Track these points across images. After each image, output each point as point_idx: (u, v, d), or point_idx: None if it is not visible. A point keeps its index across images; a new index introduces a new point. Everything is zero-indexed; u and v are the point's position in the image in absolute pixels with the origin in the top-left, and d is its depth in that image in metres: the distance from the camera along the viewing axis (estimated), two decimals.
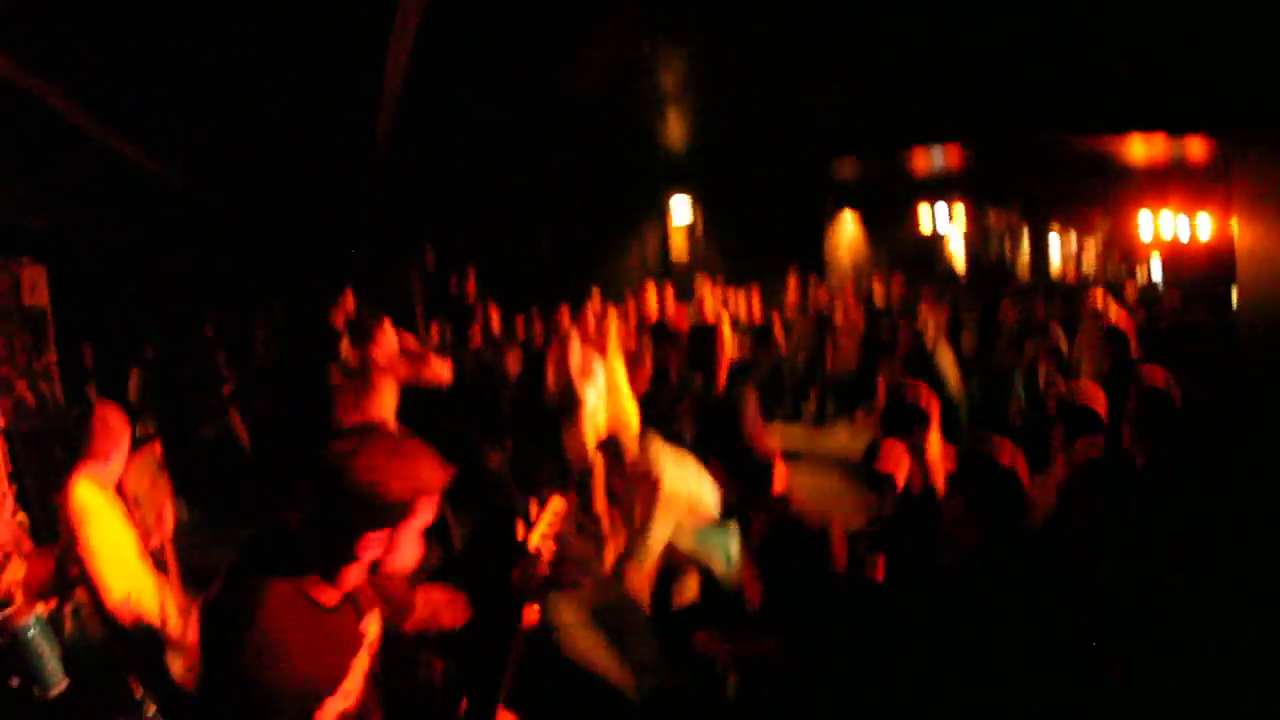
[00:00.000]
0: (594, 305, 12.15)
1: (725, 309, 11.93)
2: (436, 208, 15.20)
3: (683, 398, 8.16)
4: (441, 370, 8.04)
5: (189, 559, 7.99)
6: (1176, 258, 16.28)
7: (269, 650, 2.25)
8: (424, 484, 2.41)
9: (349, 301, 9.52)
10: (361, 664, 2.59)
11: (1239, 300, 5.59)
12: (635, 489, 5.68)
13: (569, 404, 7.51)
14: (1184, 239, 15.59)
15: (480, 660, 4.81)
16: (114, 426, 4.82)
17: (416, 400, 10.34)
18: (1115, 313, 9.60)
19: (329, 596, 2.45)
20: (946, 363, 8.82)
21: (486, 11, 7.10)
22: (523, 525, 3.30)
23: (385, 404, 5.35)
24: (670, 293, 12.60)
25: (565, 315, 11.01)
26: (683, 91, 11.13)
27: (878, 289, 14.21)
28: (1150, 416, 4.34)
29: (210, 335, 12.24)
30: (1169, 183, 15.48)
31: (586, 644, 5.00)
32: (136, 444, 9.05)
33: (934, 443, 4.74)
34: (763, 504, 4.87)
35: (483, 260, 14.48)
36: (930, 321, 11.72)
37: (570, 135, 13.27)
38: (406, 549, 2.47)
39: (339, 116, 9.43)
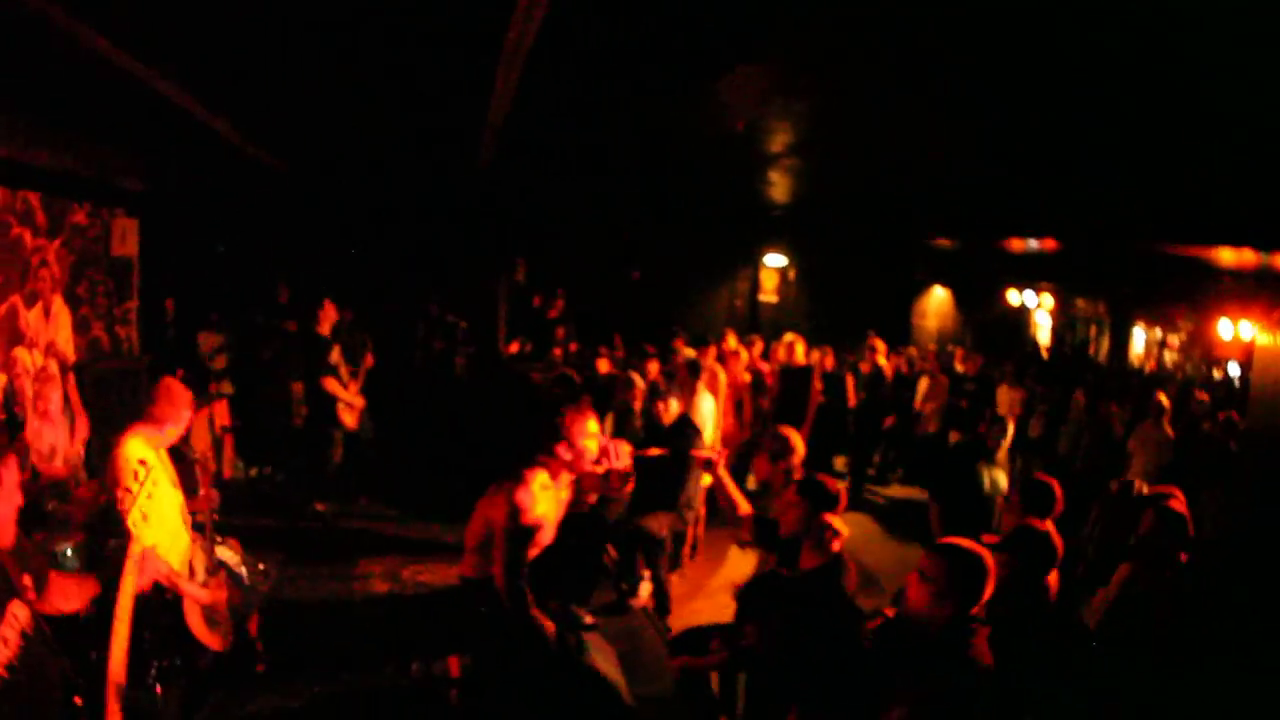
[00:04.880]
0: (682, 346, 12.74)
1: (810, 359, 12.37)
2: (532, 224, 15.62)
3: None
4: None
5: (241, 515, 8.82)
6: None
7: None
8: None
9: (332, 312, 9.94)
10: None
11: (1250, 408, 6.13)
12: None
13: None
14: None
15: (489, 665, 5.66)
16: (177, 397, 5.10)
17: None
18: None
19: None
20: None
21: (601, 49, 7.25)
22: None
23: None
24: (759, 346, 13.25)
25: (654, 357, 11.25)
26: (789, 153, 11.43)
27: (960, 362, 14.76)
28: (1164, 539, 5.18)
29: (285, 304, 13.02)
30: (1255, 289, 15.71)
31: (597, 653, 5.68)
32: (207, 399, 10.04)
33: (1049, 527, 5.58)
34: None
35: (571, 283, 15.29)
36: (1004, 400, 12.51)
37: (673, 176, 13.72)
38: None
39: (444, 125, 9.72)
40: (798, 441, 6.24)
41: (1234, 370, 18.29)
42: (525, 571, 5.41)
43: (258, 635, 6.22)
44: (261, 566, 6.52)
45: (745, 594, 5.38)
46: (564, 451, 5.78)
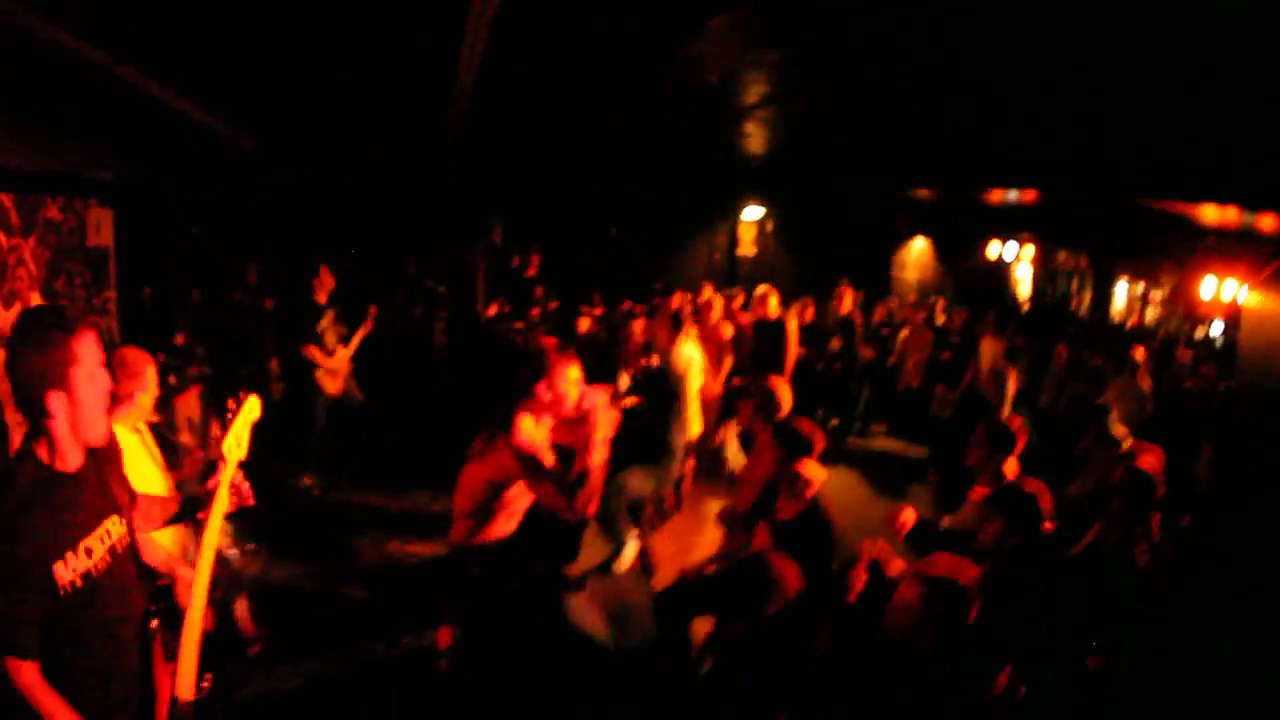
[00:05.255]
0: (675, 300, 12.63)
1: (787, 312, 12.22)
2: (508, 186, 15.63)
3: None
4: None
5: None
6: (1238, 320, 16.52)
7: (9, 514, 2.76)
8: (61, 338, 2.83)
9: (328, 279, 9.87)
10: (112, 529, 3.04)
11: (1239, 362, 6.15)
12: None
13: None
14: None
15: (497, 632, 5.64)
16: (133, 365, 4.98)
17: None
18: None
19: (64, 462, 2.91)
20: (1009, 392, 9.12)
21: (570, 3, 7.28)
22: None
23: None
24: (740, 299, 13.14)
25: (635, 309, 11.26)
26: (766, 104, 11.37)
27: (942, 313, 14.68)
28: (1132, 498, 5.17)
29: (254, 282, 13.00)
30: (1239, 246, 15.75)
31: (583, 610, 5.76)
32: (191, 380, 9.95)
33: (1012, 465, 5.86)
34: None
35: (549, 243, 15.01)
36: (987, 353, 12.47)
37: (649, 132, 13.67)
38: (89, 400, 2.90)
39: (414, 90, 9.73)
40: (785, 395, 6.41)
41: (1217, 328, 18.38)
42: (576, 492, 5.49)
43: (250, 617, 6.17)
44: (251, 546, 6.44)
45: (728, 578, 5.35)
46: (544, 391, 5.72)
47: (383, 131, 12.16)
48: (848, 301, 13.46)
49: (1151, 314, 22.60)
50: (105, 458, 3.12)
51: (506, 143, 13.43)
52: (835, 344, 12.96)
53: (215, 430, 10.34)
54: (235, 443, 3.51)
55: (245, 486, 3.59)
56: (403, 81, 9.35)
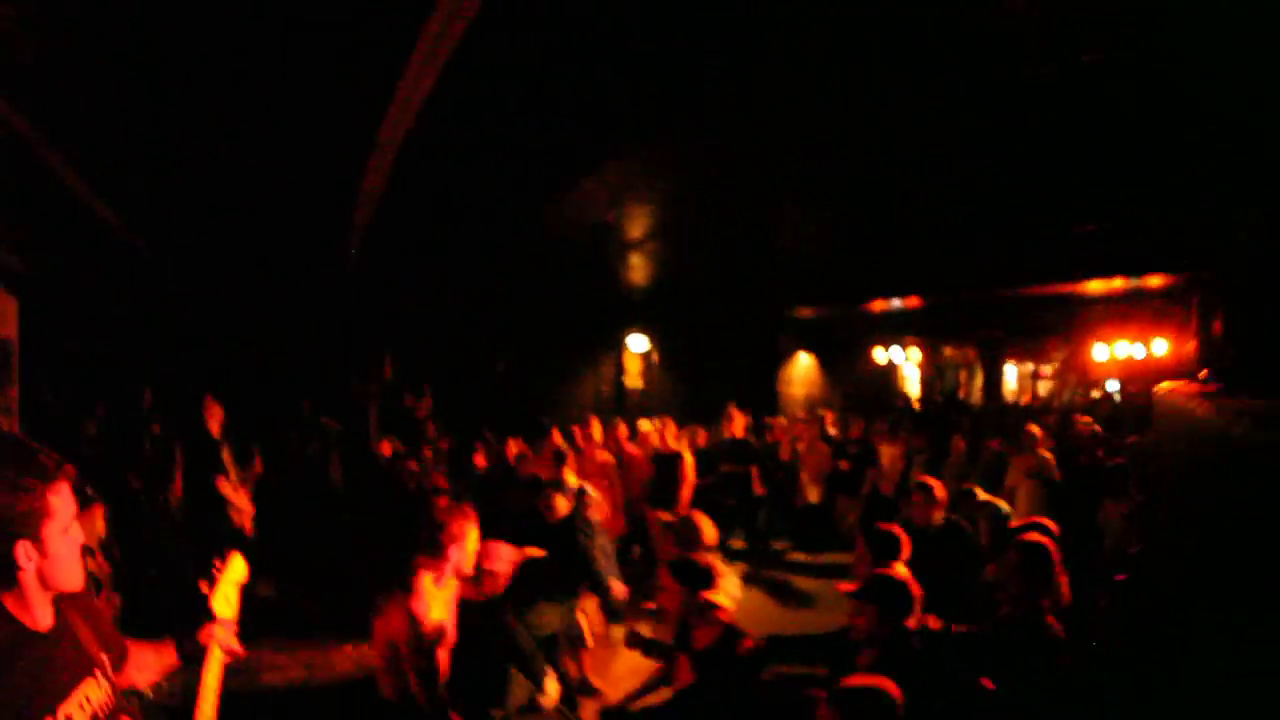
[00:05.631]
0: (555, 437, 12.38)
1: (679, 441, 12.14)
2: (399, 322, 15.44)
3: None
4: None
5: (133, 628, 8.22)
6: (1135, 375, 16.65)
7: None
8: (36, 487, 2.49)
9: (216, 409, 9.75)
10: (91, 691, 2.66)
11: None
12: None
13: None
14: (1139, 357, 15.85)
15: None
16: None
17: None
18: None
19: (34, 619, 2.56)
20: None
21: (464, 155, 7.63)
22: (205, 584, 3.58)
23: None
24: (624, 429, 12.84)
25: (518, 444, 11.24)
26: (647, 239, 11.68)
27: (832, 425, 14.49)
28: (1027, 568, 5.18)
29: (149, 407, 12.14)
30: (1127, 308, 15.91)
31: None
32: (91, 500, 9.26)
33: (900, 569, 5.75)
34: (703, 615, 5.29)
35: (439, 378, 15.10)
36: (886, 456, 12.37)
37: (535, 269, 13.85)
38: (61, 554, 2.56)
39: (313, 221, 9.82)
40: (708, 528, 6.55)
41: (1112, 385, 18.58)
42: (440, 680, 5.24)
43: None
44: (165, 685, 5.96)
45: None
46: (455, 553, 5.57)
47: (281, 265, 12.12)
48: (738, 424, 13.25)
49: (1044, 388, 22.80)
50: (80, 610, 2.80)
51: (400, 277, 13.55)
52: (727, 467, 12.64)
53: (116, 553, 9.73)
54: (224, 601, 3.52)
55: (235, 640, 3.48)
56: (301, 213, 9.53)
